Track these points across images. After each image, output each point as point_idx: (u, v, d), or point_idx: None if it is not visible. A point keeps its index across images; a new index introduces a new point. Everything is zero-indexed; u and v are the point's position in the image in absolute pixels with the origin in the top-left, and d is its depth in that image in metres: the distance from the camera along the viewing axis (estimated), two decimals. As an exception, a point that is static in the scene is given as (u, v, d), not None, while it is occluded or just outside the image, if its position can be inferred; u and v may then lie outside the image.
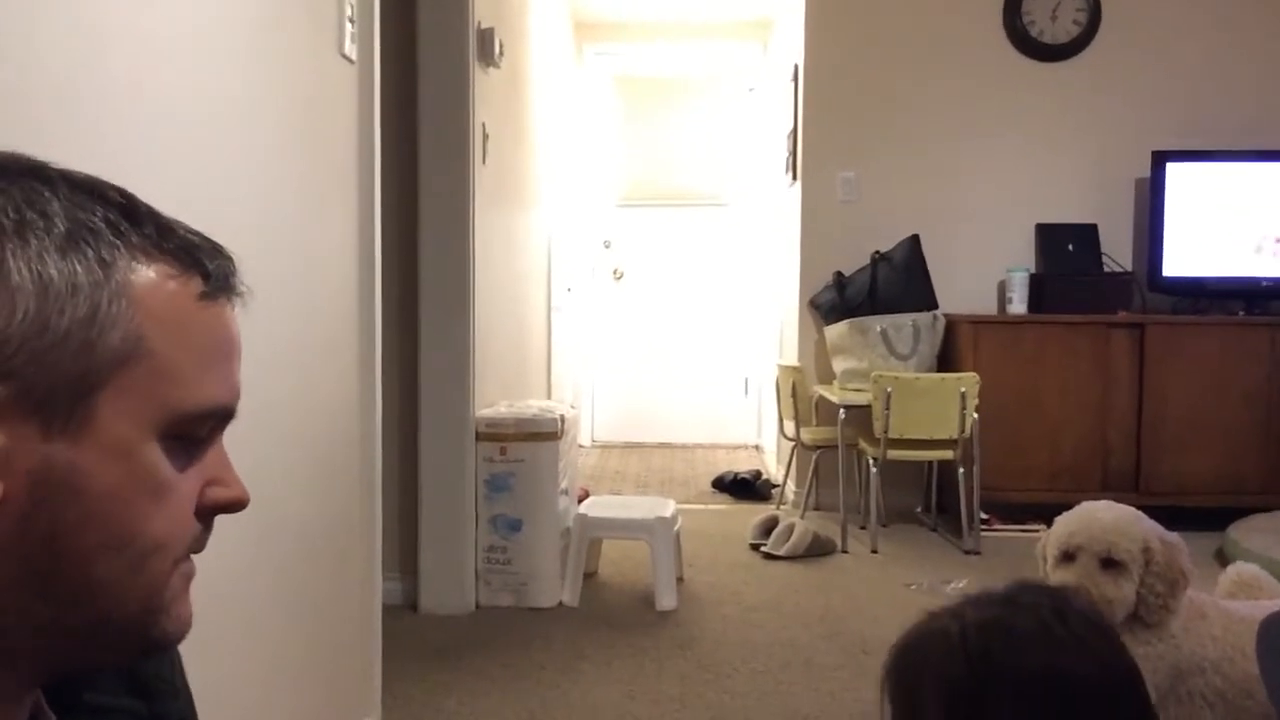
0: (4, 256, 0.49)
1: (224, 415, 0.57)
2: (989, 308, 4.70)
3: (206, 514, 0.57)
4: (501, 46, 3.61)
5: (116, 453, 0.52)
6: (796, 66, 5.02)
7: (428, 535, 3.26)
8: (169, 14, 1.34)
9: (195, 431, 0.55)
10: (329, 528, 2.00)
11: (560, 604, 3.34)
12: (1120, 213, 4.72)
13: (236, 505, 0.59)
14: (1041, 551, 1.87)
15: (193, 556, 0.58)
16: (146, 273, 0.53)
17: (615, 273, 7.05)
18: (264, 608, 1.70)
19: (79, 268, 0.51)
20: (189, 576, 0.57)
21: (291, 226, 1.76)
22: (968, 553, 4.04)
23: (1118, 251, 4.67)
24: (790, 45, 5.23)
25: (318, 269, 1.89)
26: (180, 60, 1.37)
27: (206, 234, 0.57)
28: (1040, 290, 4.50)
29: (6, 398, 0.49)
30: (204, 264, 0.56)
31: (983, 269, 4.73)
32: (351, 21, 1.97)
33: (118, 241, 0.52)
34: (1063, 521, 1.77)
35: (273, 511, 1.69)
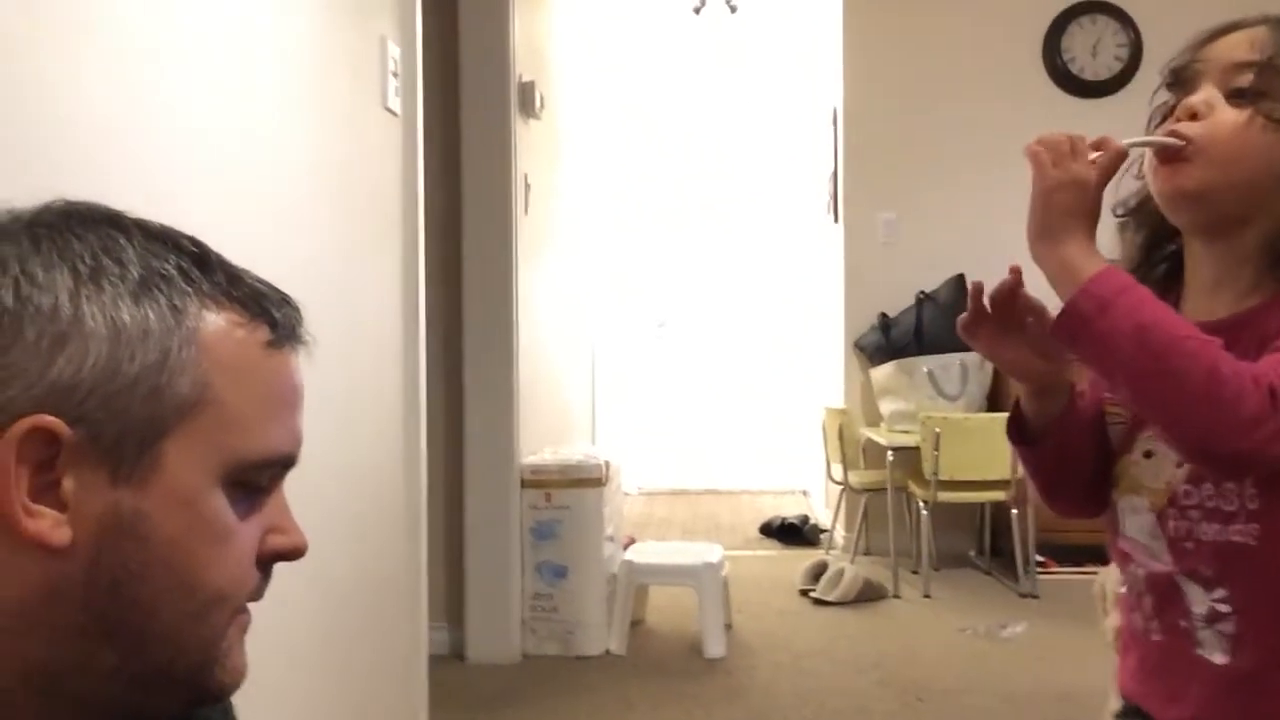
0: (79, 302, 0.50)
1: (286, 463, 0.57)
2: (1038, 346, 4.63)
3: (266, 562, 0.57)
4: (542, 99, 3.67)
5: (181, 500, 0.52)
6: (835, 110, 5.03)
7: (474, 583, 3.26)
8: (216, 62, 1.38)
9: (257, 479, 0.55)
10: (374, 577, 2.00)
11: (607, 652, 3.30)
12: (1170, 247, 4.64)
13: (296, 553, 0.59)
14: (1099, 591, 1.82)
15: (249, 606, 0.58)
16: (216, 320, 0.53)
17: (659, 323, 7.07)
18: (307, 658, 1.70)
19: (151, 314, 0.51)
20: (244, 627, 0.57)
21: (336, 275, 1.79)
22: (1024, 596, 3.94)
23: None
24: (829, 87, 5.26)
25: (362, 317, 1.92)
26: (226, 106, 1.40)
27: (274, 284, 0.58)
28: (1090, 327, 4.42)
29: (77, 443, 0.49)
30: (271, 313, 0.56)
31: (1030, 307, 4.67)
32: (395, 75, 2.01)
33: (189, 289, 0.53)
34: None
35: (316, 561, 1.69)
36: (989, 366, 4.45)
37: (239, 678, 0.57)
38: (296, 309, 0.58)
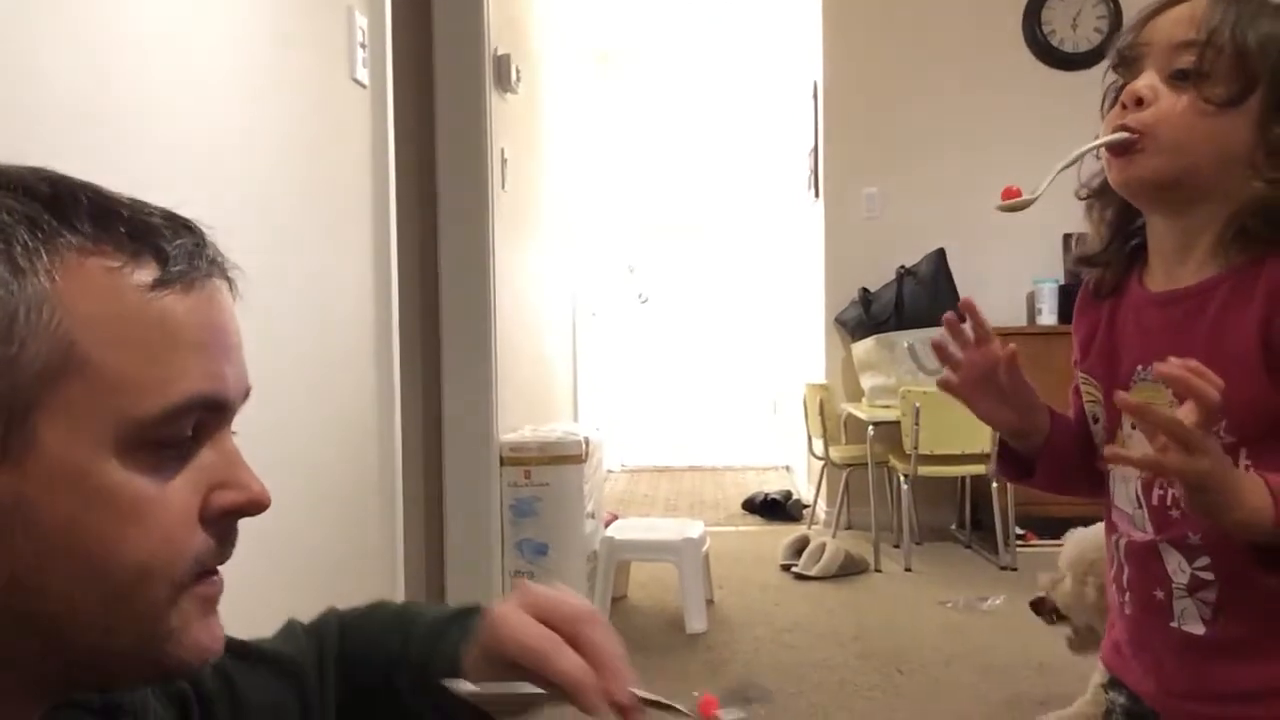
0: None
1: (209, 407, 0.50)
2: (1018, 319, 4.64)
3: (217, 521, 0.51)
4: (518, 73, 3.63)
5: (69, 478, 0.46)
6: (815, 84, 5.00)
7: (453, 561, 3.24)
8: (176, 38, 1.34)
9: (176, 433, 0.49)
10: (348, 556, 1.98)
11: (589, 629, 3.30)
12: (1149, 220, 4.65)
13: (253, 507, 0.52)
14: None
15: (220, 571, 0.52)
16: (78, 270, 0.47)
17: (640, 296, 7.05)
18: (283, 635, 1.68)
19: None
20: (206, 598, 0.52)
21: (303, 247, 1.76)
22: (1004, 569, 3.96)
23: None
24: (808, 62, 5.23)
25: (332, 294, 1.89)
26: (187, 82, 1.37)
27: (174, 211, 0.52)
28: (1070, 301, 4.42)
29: None
30: (160, 246, 0.49)
31: (1011, 280, 4.67)
32: (363, 46, 1.98)
33: (35, 242, 0.46)
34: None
35: (288, 542, 1.68)
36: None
37: (204, 653, 0.52)
38: (198, 235, 0.52)
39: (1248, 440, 0.88)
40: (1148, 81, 0.92)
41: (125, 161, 1.21)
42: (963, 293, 4.50)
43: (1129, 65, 0.96)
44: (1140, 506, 0.96)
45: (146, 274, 0.49)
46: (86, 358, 0.47)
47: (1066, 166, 0.97)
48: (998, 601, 3.50)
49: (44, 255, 0.46)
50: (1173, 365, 0.79)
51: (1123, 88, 0.96)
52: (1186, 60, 0.91)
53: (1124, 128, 0.93)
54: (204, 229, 0.52)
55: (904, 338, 4.39)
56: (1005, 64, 4.71)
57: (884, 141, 4.78)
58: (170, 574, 0.50)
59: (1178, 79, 0.91)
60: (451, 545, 3.24)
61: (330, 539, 1.87)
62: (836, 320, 4.83)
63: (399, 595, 2.24)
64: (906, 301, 4.51)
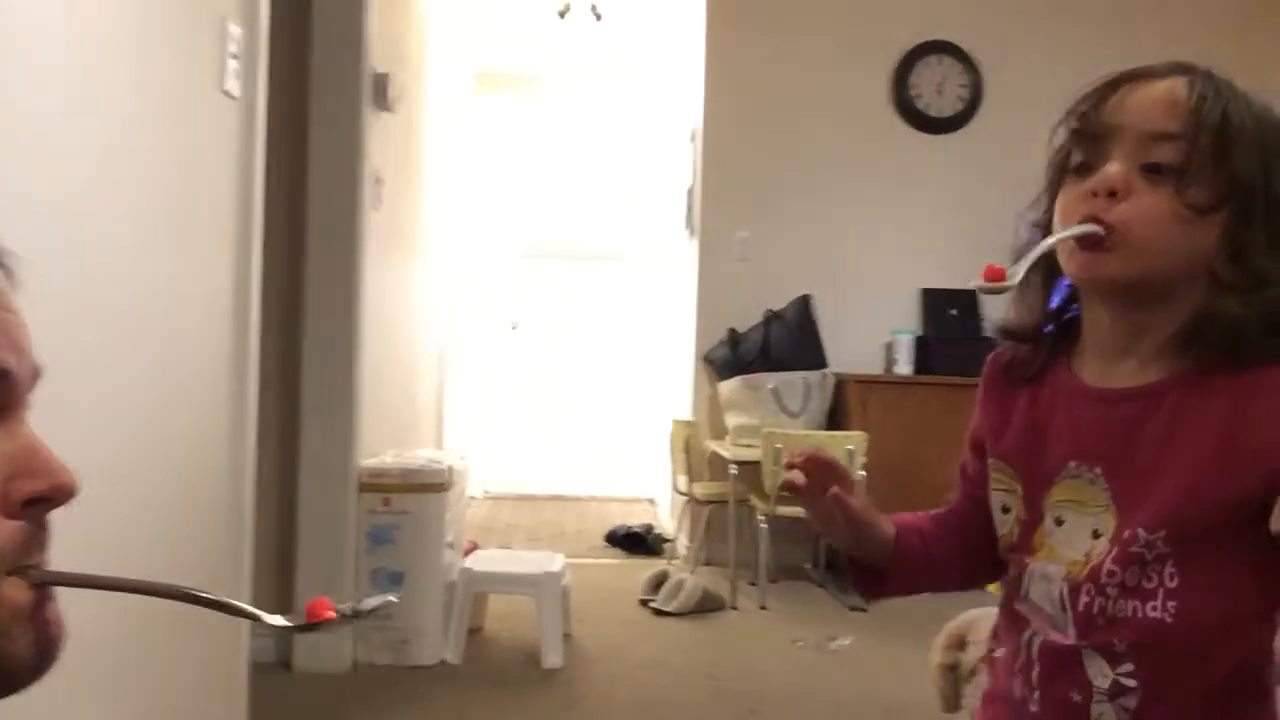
0: None
1: None
2: (876, 368, 4.81)
3: (21, 512, 0.50)
4: (398, 93, 3.58)
5: None
6: (694, 129, 5.11)
7: (304, 588, 3.13)
8: (30, 43, 1.28)
9: None
10: (189, 576, 1.89)
11: (443, 661, 3.23)
12: (1000, 279, 4.89)
13: (56, 494, 0.51)
14: (964, 673, 1.90)
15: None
16: None
17: (512, 324, 7.01)
18: (112, 665, 1.59)
19: None
20: (28, 591, 0.50)
21: (154, 260, 1.69)
22: (853, 609, 4.07)
23: (998, 316, 4.84)
24: (689, 105, 5.34)
25: (184, 306, 1.82)
26: (41, 88, 1.31)
27: None
28: (925, 352, 4.63)
29: None
30: None
31: (871, 330, 4.85)
32: (234, 57, 1.92)
33: None
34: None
35: (124, 559, 1.59)
36: (830, 385, 4.60)
37: (45, 645, 0.51)
38: None
39: (1181, 548, 0.86)
40: (1121, 171, 0.86)
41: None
42: (825, 338, 4.65)
43: (1093, 141, 0.89)
44: (1065, 610, 0.91)
45: None
46: None
47: (1044, 251, 0.89)
48: (846, 642, 3.60)
49: None
50: None
51: (1081, 164, 0.89)
52: (1165, 155, 0.85)
53: (1094, 218, 0.86)
54: None
55: (769, 380, 4.50)
56: (874, 124, 4.91)
57: (757, 188, 4.91)
58: None
59: (1151, 172, 0.85)
60: (303, 570, 3.13)
61: (172, 565, 1.78)
62: (705, 359, 4.91)
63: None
64: (772, 344, 4.62)
